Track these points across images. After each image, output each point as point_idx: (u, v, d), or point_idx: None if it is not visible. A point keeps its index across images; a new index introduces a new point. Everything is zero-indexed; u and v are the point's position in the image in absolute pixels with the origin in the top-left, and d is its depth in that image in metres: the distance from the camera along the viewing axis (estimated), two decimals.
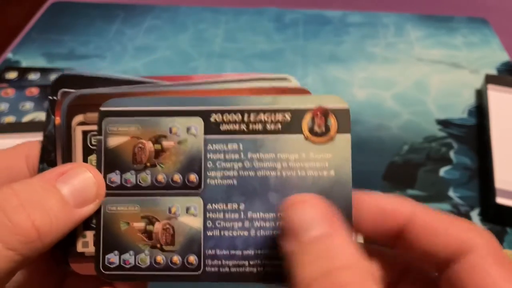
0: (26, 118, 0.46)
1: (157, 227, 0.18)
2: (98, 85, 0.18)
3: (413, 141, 0.44)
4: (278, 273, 0.18)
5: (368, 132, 0.45)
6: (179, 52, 0.55)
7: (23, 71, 0.52)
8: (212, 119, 0.18)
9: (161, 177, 0.18)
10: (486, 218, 0.37)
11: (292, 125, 0.19)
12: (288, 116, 0.19)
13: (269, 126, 0.19)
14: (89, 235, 0.18)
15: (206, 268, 0.18)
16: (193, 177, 0.18)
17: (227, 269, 0.18)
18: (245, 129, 0.19)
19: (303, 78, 0.51)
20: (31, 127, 0.44)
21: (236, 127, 0.19)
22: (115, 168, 0.18)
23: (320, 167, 0.19)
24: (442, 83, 0.51)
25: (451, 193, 0.39)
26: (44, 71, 0.52)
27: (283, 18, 0.61)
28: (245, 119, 0.19)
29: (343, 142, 0.19)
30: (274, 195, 0.18)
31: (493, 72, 0.52)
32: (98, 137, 0.18)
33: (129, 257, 0.18)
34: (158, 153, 0.18)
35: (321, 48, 0.56)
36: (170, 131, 0.18)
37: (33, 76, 0.51)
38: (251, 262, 0.18)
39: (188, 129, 0.18)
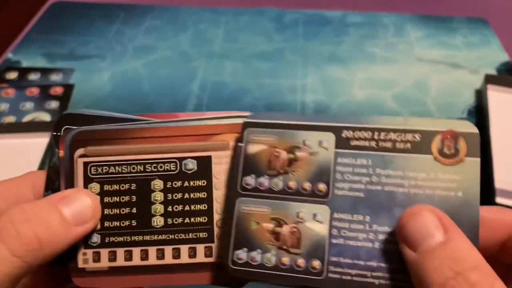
0: (26, 118, 0.46)
1: (285, 229, 0.20)
2: (97, 122, 0.21)
3: None
4: (400, 286, 0.19)
5: None
6: (179, 52, 0.55)
7: (24, 71, 0.52)
8: (343, 135, 0.20)
9: (292, 184, 0.20)
10: None
11: (421, 145, 0.20)
12: (418, 137, 0.20)
13: (399, 145, 0.20)
14: (89, 252, 0.20)
15: (329, 274, 0.19)
16: (322, 186, 0.20)
17: (349, 277, 0.19)
18: (374, 146, 0.20)
19: (303, 78, 0.52)
20: (32, 127, 0.44)
21: (366, 143, 0.20)
22: (252, 172, 0.20)
23: (448, 188, 0.19)
24: (442, 83, 0.51)
25: None
26: (44, 71, 0.52)
27: (283, 18, 0.61)
28: (375, 136, 0.20)
29: (472, 166, 0.20)
30: (400, 211, 0.19)
31: (493, 72, 0.52)
32: (239, 144, 0.21)
33: (256, 255, 0.20)
34: (291, 162, 0.20)
35: (321, 48, 0.56)
36: (304, 143, 0.20)
37: (33, 76, 0.51)
38: (374, 274, 0.19)
39: (320, 142, 0.20)
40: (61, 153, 0.21)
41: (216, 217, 0.21)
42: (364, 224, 0.20)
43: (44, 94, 0.48)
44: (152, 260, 0.21)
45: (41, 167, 0.39)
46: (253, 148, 0.21)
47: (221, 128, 0.21)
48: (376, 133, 0.20)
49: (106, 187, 0.21)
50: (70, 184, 0.21)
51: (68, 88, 0.49)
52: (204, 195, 0.21)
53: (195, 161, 0.21)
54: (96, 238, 0.20)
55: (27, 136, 0.43)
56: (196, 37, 0.58)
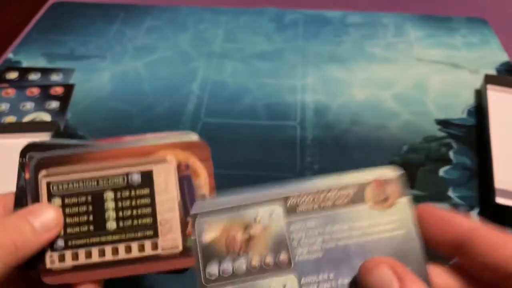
0: (26, 118, 0.46)
1: None
2: (55, 149, 0.25)
3: (413, 141, 0.44)
4: None
5: (367, 132, 0.45)
6: (179, 52, 0.55)
7: (24, 71, 0.52)
8: (289, 204, 0.23)
9: (255, 262, 0.22)
10: (485, 218, 0.37)
11: (356, 197, 0.22)
12: (352, 191, 0.22)
13: (338, 202, 0.22)
14: (55, 255, 0.24)
15: None
16: (283, 257, 0.22)
17: None
18: (318, 207, 0.22)
19: (303, 78, 0.52)
20: (32, 127, 0.44)
21: (310, 207, 0.22)
22: (212, 260, 0.22)
23: (391, 229, 0.22)
24: (442, 83, 0.51)
25: (451, 193, 0.39)
26: (44, 71, 0.52)
27: (283, 19, 0.61)
28: (316, 199, 0.22)
29: (404, 204, 0.22)
30: (357, 260, 0.21)
31: (493, 72, 0.52)
32: (193, 238, 0.22)
33: None
34: (248, 240, 0.22)
35: (321, 48, 0.56)
36: (255, 220, 0.22)
37: (34, 76, 0.51)
38: None
39: (270, 215, 0.22)
40: (27, 176, 0.25)
41: (159, 217, 0.25)
42: (330, 281, 0.21)
43: (44, 94, 0.49)
44: (109, 256, 0.25)
45: None
46: (207, 237, 0.22)
47: (159, 147, 0.26)
48: (316, 196, 0.22)
49: (67, 200, 0.25)
50: (36, 200, 0.25)
51: (68, 88, 0.49)
52: (148, 201, 0.25)
53: (139, 174, 0.25)
54: (60, 243, 0.24)
55: (27, 136, 0.43)
56: (196, 37, 0.58)
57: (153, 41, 0.57)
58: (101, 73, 0.52)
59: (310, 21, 0.61)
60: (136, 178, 0.25)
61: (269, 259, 0.22)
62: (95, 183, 0.25)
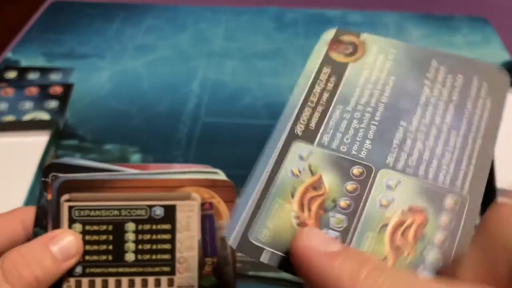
0: (25, 118, 0.45)
1: None
2: (79, 171, 0.25)
3: None
4: None
5: None
6: (179, 52, 0.55)
7: (23, 71, 0.52)
8: None
9: None
10: None
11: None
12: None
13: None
14: (72, 281, 0.24)
15: None
16: None
17: None
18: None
19: None
20: (31, 125, 0.44)
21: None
22: None
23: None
24: None
25: None
26: (43, 70, 0.52)
27: (283, 18, 0.61)
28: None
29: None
30: None
31: None
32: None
33: None
34: None
35: None
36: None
37: (33, 76, 0.51)
38: None
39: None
40: (49, 196, 0.25)
41: (178, 255, 0.25)
42: None
43: (43, 93, 0.48)
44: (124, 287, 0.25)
45: (41, 165, 0.39)
46: None
47: (185, 182, 0.25)
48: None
49: (87, 227, 0.25)
50: (57, 224, 0.25)
51: (68, 88, 0.49)
52: (169, 236, 0.25)
53: (162, 208, 0.25)
54: (78, 269, 0.24)
55: (26, 134, 0.43)
56: (196, 36, 0.58)
57: (153, 40, 0.57)
58: (100, 72, 0.52)
59: (311, 20, 0.60)
60: (159, 212, 0.25)
61: None
62: (118, 212, 0.25)
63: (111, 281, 0.25)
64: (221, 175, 0.26)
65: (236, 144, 0.43)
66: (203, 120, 0.46)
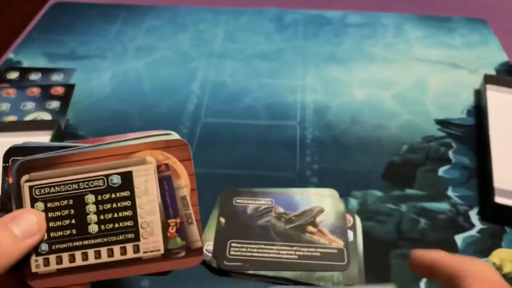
0: (27, 118, 0.46)
1: None
2: (37, 152, 0.25)
3: (412, 141, 0.44)
4: None
5: (367, 132, 0.45)
6: (180, 52, 0.55)
7: (24, 71, 0.52)
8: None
9: None
10: (484, 217, 0.37)
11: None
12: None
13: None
14: (40, 259, 0.25)
15: None
16: None
17: None
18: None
19: (303, 78, 0.52)
20: (33, 125, 0.44)
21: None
22: None
23: None
24: (441, 83, 0.51)
25: (450, 192, 0.40)
26: (45, 71, 0.52)
27: (283, 19, 0.61)
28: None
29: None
30: None
31: (492, 72, 0.52)
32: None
33: None
34: None
35: (320, 48, 0.56)
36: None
37: (34, 76, 0.51)
38: None
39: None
40: (10, 180, 0.25)
41: (140, 220, 0.25)
42: None
43: (45, 94, 0.49)
44: (92, 260, 0.25)
45: None
46: None
47: (138, 147, 0.25)
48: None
49: (49, 205, 0.25)
50: (20, 205, 0.25)
51: (69, 88, 0.50)
52: (129, 203, 0.25)
53: (119, 176, 0.25)
54: (44, 247, 0.25)
55: (28, 134, 0.43)
56: (196, 37, 0.58)
57: (153, 41, 0.57)
58: (101, 73, 0.52)
59: (310, 21, 0.61)
60: (116, 180, 0.25)
61: None
62: (76, 186, 0.25)
63: (78, 254, 0.25)
64: (174, 136, 0.26)
65: (236, 144, 0.44)
66: (203, 120, 0.46)
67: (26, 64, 0.53)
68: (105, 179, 0.25)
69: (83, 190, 0.25)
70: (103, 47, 0.56)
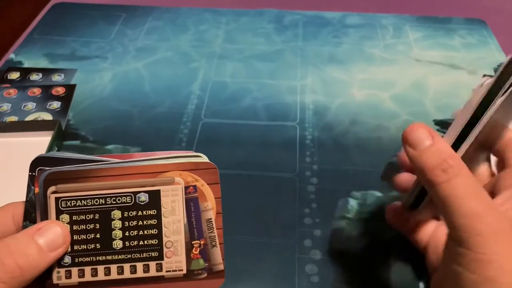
0: (28, 118, 0.46)
1: None
2: (65, 164, 0.25)
3: None
4: None
5: (367, 132, 0.45)
6: (180, 53, 0.56)
7: (25, 72, 0.52)
8: None
9: None
10: None
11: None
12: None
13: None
14: (62, 271, 0.25)
15: None
16: None
17: None
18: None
19: (303, 79, 0.52)
20: (34, 125, 0.44)
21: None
22: None
23: None
24: (440, 84, 0.51)
25: None
26: (46, 71, 0.52)
27: (282, 20, 0.62)
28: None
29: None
30: None
31: (491, 73, 0.52)
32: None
33: None
34: None
35: (320, 49, 0.56)
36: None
37: (35, 77, 0.51)
38: None
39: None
40: (36, 190, 0.25)
41: (165, 239, 0.25)
42: None
43: (46, 94, 0.49)
44: (114, 275, 0.25)
45: None
46: None
47: (168, 167, 0.26)
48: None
49: (75, 217, 0.25)
50: (45, 216, 0.25)
51: (70, 88, 0.50)
52: (154, 222, 0.25)
53: (147, 194, 0.25)
54: (67, 259, 0.25)
55: (29, 134, 0.43)
56: (197, 38, 0.58)
57: (154, 41, 0.57)
58: (102, 73, 0.52)
59: (310, 22, 0.61)
60: (144, 198, 0.25)
61: None
62: (103, 200, 0.25)
63: (101, 269, 0.25)
64: (203, 158, 0.26)
65: (236, 145, 0.44)
66: (204, 120, 0.47)
67: (27, 64, 0.54)
68: (133, 196, 0.25)
69: (110, 205, 0.25)
70: (104, 47, 0.56)
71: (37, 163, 0.25)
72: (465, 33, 0.59)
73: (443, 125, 0.46)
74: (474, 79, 0.51)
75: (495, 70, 0.53)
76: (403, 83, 0.51)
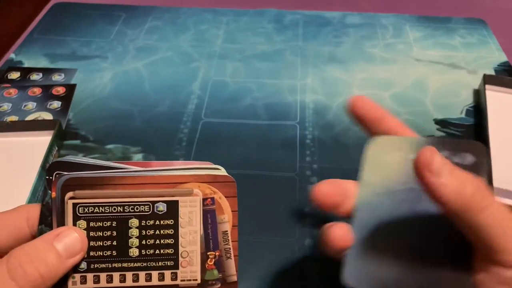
0: (28, 118, 0.46)
1: None
2: (83, 169, 0.25)
3: None
4: None
5: None
6: (180, 53, 0.56)
7: (26, 71, 0.52)
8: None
9: None
10: None
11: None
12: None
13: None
14: (77, 276, 0.25)
15: None
16: None
17: None
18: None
19: (303, 79, 0.52)
20: (34, 125, 0.44)
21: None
22: None
23: None
24: (440, 83, 0.51)
25: None
26: (46, 71, 0.52)
27: (283, 19, 0.62)
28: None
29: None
30: None
31: (491, 72, 0.52)
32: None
33: None
34: None
35: (320, 49, 0.56)
36: None
37: (36, 76, 0.52)
38: None
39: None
40: (53, 194, 0.25)
41: (181, 249, 0.25)
42: None
43: (46, 94, 0.49)
44: (129, 282, 0.25)
45: (43, 165, 0.39)
46: None
47: (187, 178, 0.26)
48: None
49: (92, 224, 0.25)
50: (61, 221, 0.25)
51: (70, 88, 0.50)
52: (171, 231, 0.25)
53: (165, 204, 0.25)
54: (83, 265, 0.25)
55: (29, 134, 0.43)
56: (197, 37, 0.58)
57: (154, 41, 0.57)
58: (102, 73, 0.52)
59: (310, 22, 0.61)
60: (162, 207, 0.25)
61: None
62: (121, 208, 0.25)
63: (116, 276, 0.25)
64: (222, 171, 0.26)
65: (236, 144, 0.44)
66: (204, 120, 0.47)
67: (27, 64, 0.54)
68: (151, 206, 0.25)
69: (128, 213, 0.25)
70: (104, 47, 0.56)
71: (55, 167, 0.25)
72: (465, 33, 0.59)
73: (443, 124, 0.46)
74: (474, 79, 0.51)
75: (495, 70, 0.53)
76: (403, 82, 0.51)
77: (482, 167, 0.26)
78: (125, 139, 0.44)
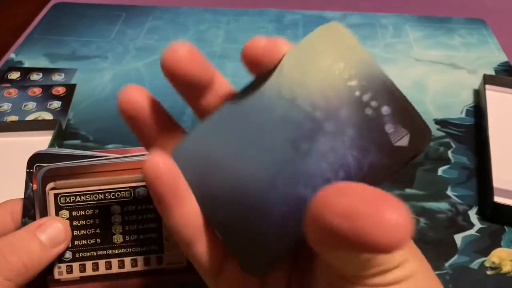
0: (28, 118, 0.46)
1: None
2: (63, 160, 0.25)
3: None
4: None
5: None
6: None
7: (26, 71, 0.52)
8: None
9: None
10: (484, 216, 0.38)
11: None
12: None
13: None
14: (63, 266, 0.25)
15: None
16: None
17: None
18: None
19: None
20: (34, 125, 0.44)
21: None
22: None
23: None
24: (440, 83, 0.51)
25: (449, 192, 0.40)
26: (46, 71, 0.52)
27: (283, 19, 0.62)
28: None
29: None
30: None
31: (491, 72, 0.52)
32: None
33: None
34: None
35: None
36: None
37: (36, 76, 0.51)
38: None
39: None
40: (35, 186, 0.25)
41: (165, 233, 0.25)
42: None
43: (46, 94, 0.49)
44: (115, 269, 0.25)
45: None
46: None
47: None
48: None
49: (74, 213, 0.25)
50: (44, 213, 0.25)
51: (70, 88, 0.50)
52: (154, 216, 0.25)
53: (146, 189, 0.25)
54: (68, 255, 0.25)
55: (29, 134, 0.43)
56: (197, 37, 0.58)
57: (154, 41, 0.57)
58: (102, 73, 0.52)
59: (310, 22, 0.61)
60: (143, 192, 0.25)
61: None
62: (103, 196, 0.25)
63: (101, 263, 0.25)
64: None
65: None
66: None
67: (27, 64, 0.54)
68: (132, 191, 0.25)
69: (109, 200, 0.25)
70: (104, 47, 0.56)
71: (35, 159, 0.25)
72: (465, 33, 0.59)
73: (443, 124, 0.46)
74: (474, 79, 0.51)
75: (495, 70, 0.53)
76: (403, 82, 0.51)
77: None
78: (125, 139, 0.44)
